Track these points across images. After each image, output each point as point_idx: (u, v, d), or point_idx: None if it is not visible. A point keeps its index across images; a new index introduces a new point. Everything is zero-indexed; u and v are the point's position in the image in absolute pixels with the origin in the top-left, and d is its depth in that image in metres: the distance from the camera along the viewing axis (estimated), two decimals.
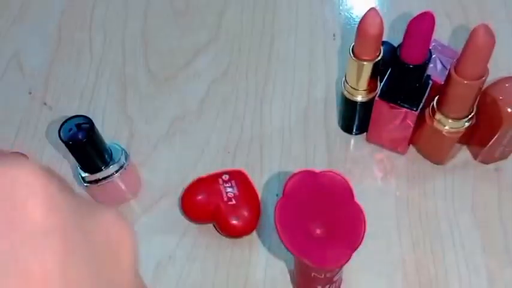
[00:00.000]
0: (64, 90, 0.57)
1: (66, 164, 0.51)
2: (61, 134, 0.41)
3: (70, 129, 0.41)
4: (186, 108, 0.55)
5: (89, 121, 0.42)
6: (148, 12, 0.64)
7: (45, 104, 0.56)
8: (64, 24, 0.63)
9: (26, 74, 0.59)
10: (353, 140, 0.52)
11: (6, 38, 0.62)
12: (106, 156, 0.44)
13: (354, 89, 0.46)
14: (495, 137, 0.45)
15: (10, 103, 0.57)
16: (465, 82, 0.40)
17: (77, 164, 0.45)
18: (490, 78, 0.41)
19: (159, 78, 0.58)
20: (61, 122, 0.41)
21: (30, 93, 0.57)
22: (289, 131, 0.53)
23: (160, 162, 0.51)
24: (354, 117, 0.49)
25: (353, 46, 0.43)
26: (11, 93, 0.58)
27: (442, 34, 0.58)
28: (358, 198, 0.48)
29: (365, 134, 0.51)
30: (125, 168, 0.46)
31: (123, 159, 0.46)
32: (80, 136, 0.41)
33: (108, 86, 0.57)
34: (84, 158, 0.44)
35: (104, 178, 0.45)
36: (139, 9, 0.64)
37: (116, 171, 0.45)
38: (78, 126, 0.42)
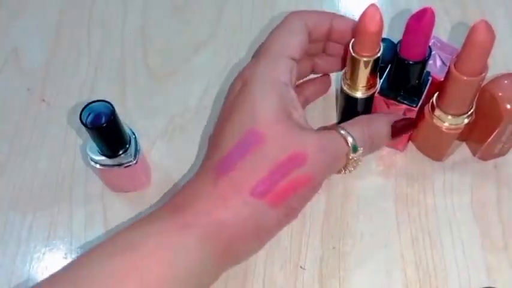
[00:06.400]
0: (63, 87, 0.57)
1: (65, 160, 0.51)
2: (82, 118, 0.40)
3: (89, 114, 0.41)
4: (185, 105, 0.55)
5: (110, 105, 0.41)
6: (147, 8, 0.63)
7: (43, 100, 0.56)
8: (63, 20, 0.63)
9: (24, 71, 0.59)
10: None
11: (4, 34, 0.62)
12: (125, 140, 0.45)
13: (353, 85, 0.46)
14: (494, 133, 0.45)
15: (8, 100, 0.57)
16: (465, 78, 0.40)
17: (94, 149, 0.44)
18: (489, 75, 0.41)
19: (158, 75, 0.58)
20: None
21: (28, 89, 0.57)
22: None
23: (159, 159, 0.51)
24: (353, 114, 0.49)
25: (353, 42, 0.43)
26: (10, 90, 0.58)
27: (441, 31, 0.58)
28: (358, 195, 0.48)
29: None
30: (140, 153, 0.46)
31: (138, 144, 0.46)
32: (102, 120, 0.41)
33: (107, 82, 0.57)
34: (105, 142, 0.43)
35: (124, 163, 0.45)
36: (138, 5, 0.64)
37: (135, 157, 0.45)
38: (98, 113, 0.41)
